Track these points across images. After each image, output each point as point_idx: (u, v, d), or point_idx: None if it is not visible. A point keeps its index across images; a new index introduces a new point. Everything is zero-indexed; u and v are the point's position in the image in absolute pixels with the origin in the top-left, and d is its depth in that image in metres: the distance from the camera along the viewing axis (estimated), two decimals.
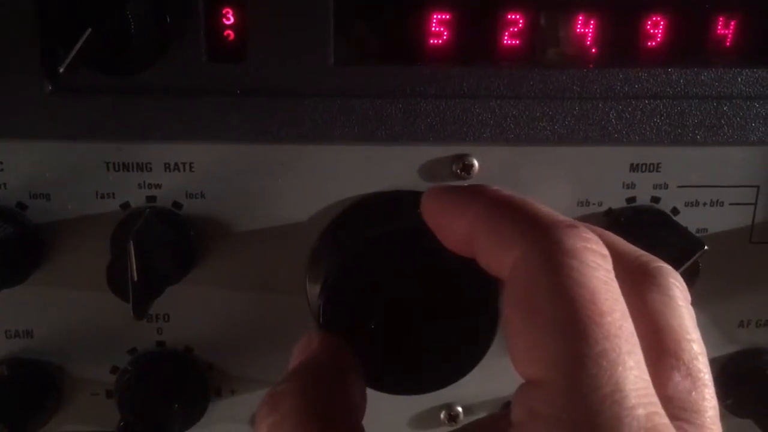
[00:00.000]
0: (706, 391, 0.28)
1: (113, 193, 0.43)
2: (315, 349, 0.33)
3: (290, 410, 0.29)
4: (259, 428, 0.30)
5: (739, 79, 0.43)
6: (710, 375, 0.28)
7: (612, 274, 0.27)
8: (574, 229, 0.27)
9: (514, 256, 0.27)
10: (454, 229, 0.31)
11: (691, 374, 0.28)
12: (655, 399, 0.25)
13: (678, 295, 0.29)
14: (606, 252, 0.27)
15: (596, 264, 0.26)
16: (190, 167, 0.42)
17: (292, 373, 0.32)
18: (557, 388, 0.24)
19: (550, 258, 0.26)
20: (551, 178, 0.44)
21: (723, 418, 0.49)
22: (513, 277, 0.27)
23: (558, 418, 0.24)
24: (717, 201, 0.45)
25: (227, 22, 0.40)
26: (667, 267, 0.30)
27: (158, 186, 0.43)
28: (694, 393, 0.27)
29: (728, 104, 0.43)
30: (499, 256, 0.28)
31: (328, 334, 0.35)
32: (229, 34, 0.41)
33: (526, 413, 0.26)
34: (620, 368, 0.24)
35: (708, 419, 0.27)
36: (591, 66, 0.42)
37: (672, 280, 0.30)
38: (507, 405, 0.49)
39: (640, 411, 0.24)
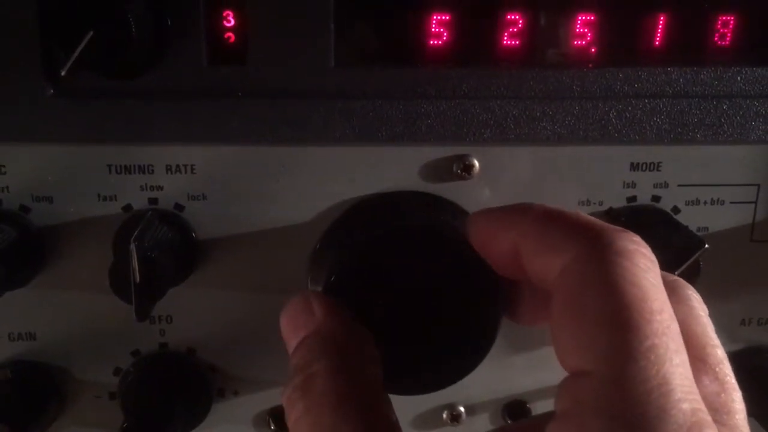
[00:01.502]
0: (735, 394, 0.29)
1: (115, 196, 0.43)
2: (322, 319, 0.33)
3: (324, 392, 0.29)
4: (291, 413, 0.30)
5: (739, 78, 0.43)
6: (735, 380, 0.29)
7: (660, 279, 0.28)
8: (625, 233, 0.28)
9: (567, 258, 0.28)
10: (501, 244, 0.32)
11: (718, 378, 0.29)
12: (699, 396, 0.25)
13: (697, 305, 0.31)
14: (654, 258, 0.28)
15: (647, 266, 0.27)
16: (192, 169, 0.43)
17: (314, 349, 0.31)
18: (606, 378, 0.25)
19: (604, 258, 0.27)
20: (552, 178, 0.44)
21: None
22: (564, 277, 0.28)
23: (605, 408, 0.25)
24: (717, 200, 0.45)
25: (228, 25, 0.40)
26: (683, 281, 0.31)
27: (160, 188, 0.43)
28: (723, 395, 0.28)
29: (728, 103, 0.43)
30: (550, 261, 0.29)
31: (331, 300, 0.34)
32: (229, 37, 0.41)
33: (573, 403, 0.26)
34: (667, 364, 0.25)
35: (739, 420, 0.28)
36: (591, 66, 0.42)
37: (690, 292, 0.31)
38: (509, 405, 0.49)
39: (686, 405, 0.24)
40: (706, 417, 0.25)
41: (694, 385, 0.26)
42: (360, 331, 0.33)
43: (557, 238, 0.29)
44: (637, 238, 0.28)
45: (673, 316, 0.27)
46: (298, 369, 0.31)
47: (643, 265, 0.27)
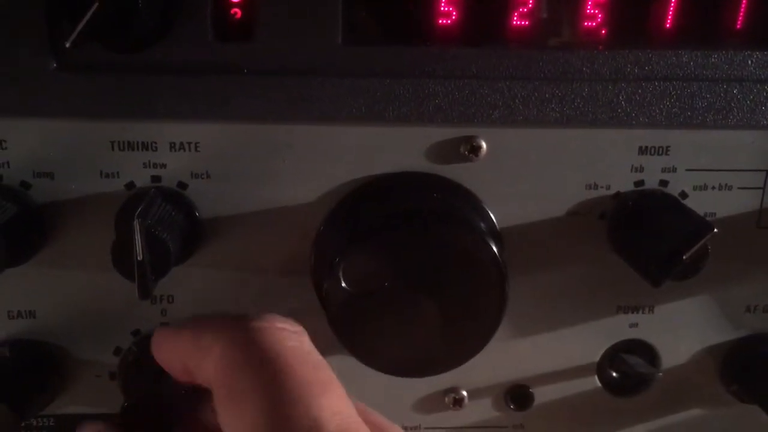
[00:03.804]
0: None
1: (118, 173, 0.42)
2: None
3: None
4: None
5: (750, 62, 0.43)
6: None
7: (307, 341, 0.32)
8: (257, 317, 0.31)
9: (215, 355, 0.30)
10: (173, 361, 0.34)
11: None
12: (362, 426, 0.28)
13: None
14: (298, 327, 0.32)
15: (286, 336, 0.31)
16: (196, 147, 0.42)
17: None
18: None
19: (245, 340, 0.30)
20: (559, 161, 0.44)
21: (729, 404, 0.50)
22: (216, 371, 0.30)
23: None
24: (725, 185, 0.45)
25: (234, 0, 0.40)
26: None
27: (163, 166, 0.42)
28: None
29: (738, 87, 0.42)
30: (204, 364, 0.31)
31: None
32: (236, 12, 0.40)
33: None
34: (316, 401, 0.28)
35: None
36: (601, 47, 0.42)
37: None
38: (512, 389, 0.48)
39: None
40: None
41: (353, 412, 0.29)
42: None
43: (204, 341, 0.31)
44: (270, 316, 0.32)
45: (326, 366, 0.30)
46: None
47: (281, 336, 0.30)
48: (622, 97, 0.42)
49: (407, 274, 0.40)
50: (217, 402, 0.30)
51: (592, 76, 0.42)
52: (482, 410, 0.49)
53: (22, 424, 0.46)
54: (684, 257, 0.40)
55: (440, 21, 0.41)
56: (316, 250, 0.44)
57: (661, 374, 0.49)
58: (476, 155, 0.43)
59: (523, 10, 0.41)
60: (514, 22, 0.42)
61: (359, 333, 0.40)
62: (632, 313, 0.47)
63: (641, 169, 0.44)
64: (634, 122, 0.43)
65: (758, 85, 0.42)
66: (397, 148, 0.43)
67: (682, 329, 0.48)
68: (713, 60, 0.42)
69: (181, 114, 0.41)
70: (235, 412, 0.29)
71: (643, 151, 0.44)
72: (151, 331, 0.45)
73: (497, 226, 0.44)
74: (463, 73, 0.41)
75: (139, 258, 0.38)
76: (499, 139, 0.43)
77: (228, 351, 0.30)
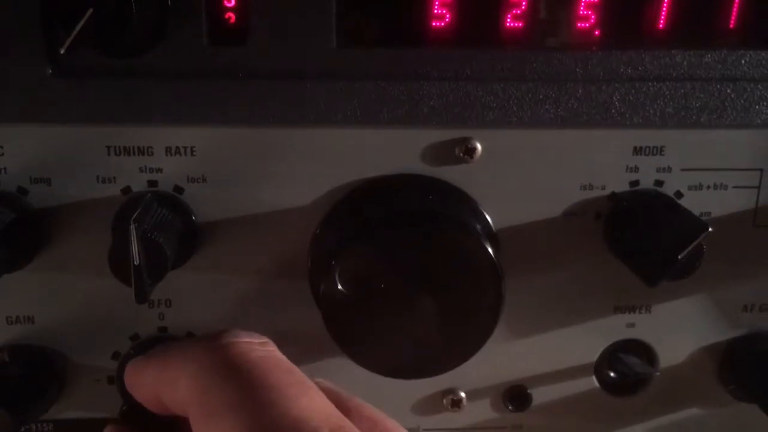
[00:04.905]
0: (388, 422, 0.33)
1: (114, 178, 0.42)
2: None
3: None
4: None
5: (743, 62, 0.43)
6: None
7: (274, 349, 0.32)
8: (220, 333, 0.32)
9: (185, 378, 0.30)
10: (145, 391, 0.34)
11: (364, 417, 0.33)
12: (345, 421, 0.29)
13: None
14: (264, 339, 0.32)
15: (250, 347, 0.31)
16: (192, 151, 0.42)
17: None
18: None
19: (211, 360, 0.30)
20: (554, 162, 0.44)
21: (727, 403, 0.50)
22: (188, 393, 0.30)
23: None
24: (721, 184, 0.45)
25: (228, 4, 0.40)
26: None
27: (159, 170, 0.42)
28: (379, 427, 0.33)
29: (732, 87, 0.43)
30: (176, 390, 0.31)
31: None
32: (230, 17, 0.40)
33: None
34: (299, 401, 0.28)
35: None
36: (594, 48, 0.42)
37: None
38: (510, 390, 0.49)
39: (326, 430, 0.27)
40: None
41: (333, 410, 0.29)
42: None
43: (171, 369, 0.31)
44: (234, 331, 0.32)
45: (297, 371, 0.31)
46: None
47: (248, 348, 0.31)
48: (616, 97, 0.42)
49: (403, 275, 0.40)
50: (194, 425, 0.30)
51: (585, 77, 0.42)
52: (480, 411, 0.49)
53: (21, 430, 0.46)
54: (679, 257, 0.40)
55: (434, 23, 0.42)
56: (313, 253, 0.44)
57: (658, 374, 0.49)
58: (471, 157, 0.43)
59: (516, 11, 0.42)
60: (508, 24, 0.42)
61: (356, 335, 0.40)
62: (629, 312, 0.47)
63: (636, 170, 0.44)
64: (628, 122, 0.43)
65: (752, 85, 0.43)
66: (392, 150, 0.43)
67: (680, 329, 0.48)
68: (707, 60, 0.43)
69: (177, 118, 0.41)
70: (214, 430, 0.28)
71: (637, 151, 0.44)
72: (149, 335, 0.46)
73: (493, 228, 0.45)
74: (457, 75, 0.42)
75: (136, 262, 0.38)
76: (493, 140, 0.43)
77: (198, 372, 0.30)
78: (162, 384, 0.32)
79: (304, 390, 0.29)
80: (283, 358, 0.31)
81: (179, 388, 0.30)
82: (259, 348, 0.31)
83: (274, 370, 0.29)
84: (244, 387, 0.28)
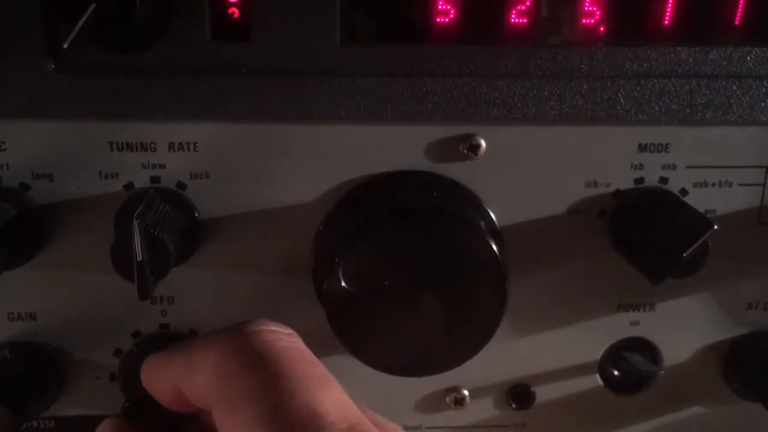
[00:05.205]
0: None
1: (117, 174, 0.42)
2: None
3: None
4: None
5: (749, 58, 0.42)
6: None
7: (299, 342, 0.31)
8: (244, 323, 0.31)
9: (209, 367, 0.30)
10: (164, 385, 0.33)
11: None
12: (362, 418, 0.28)
13: None
14: (290, 330, 0.32)
15: (278, 337, 0.30)
16: (195, 147, 0.42)
17: None
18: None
19: (236, 348, 0.30)
20: (559, 159, 0.44)
21: (731, 402, 0.49)
22: (213, 382, 0.30)
23: None
24: (726, 182, 0.45)
25: (232, 0, 0.40)
26: None
27: (162, 166, 0.42)
28: None
29: (738, 83, 0.42)
30: (199, 378, 0.30)
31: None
32: (233, 12, 0.40)
33: None
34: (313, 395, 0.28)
35: None
36: (599, 45, 0.42)
37: None
38: (513, 388, 0.48)
39: (343, 425, 0.27)
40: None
41: (352, 404, 0.29)
42: None
43: (197, 358, 0.31)
44: (261, 320, 0.32)
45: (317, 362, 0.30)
46: None
47: (273, 337, 0.30)
48: (621, 94, 0.42)
49: (407, 273, 0.40)
50: (215, 413, 0.29)
51: (590, 74, 0.42)
52: (484, 409, 0.49)
53: (23, 426, 0.46)
54: (684, 255, 0.40)
55: (438, 19, 0.41)
56: (316, 250, 0.44)
57: (662, 372, 0.49)
58: (475, 154, 0.43)
59: (521, 7, 0.41)
60: (513, 20, 0.42)
61: (359, 332, 0.40)
62: (633, 310, 0.47)
63: (641, 167, 0.44)
64: (633, 119, 0.42)
65: (757, 81, 0.42)
66: (396, 147, 0.43)
67: (684, 327, 0.48)
68: (712, 56, 0.42)
69: (180, 114, 0.41)
70: (234, 418, 0.28)
71: (642, 148, 0.44)
72: (151, 332, 0.45)
73: (497, 225, 0.44)
74: (461, 72, 0.41)
75: (139, 259, 0.38)
76: (498, 137, 0.43)
77: (222, 360, 0.30)
78: (186, 374, 0.32)
79: (325, 384, 0.29)
80: (307, 350, 0.31)
81: (202, 377, 0.30)
82: (285, 338, 0.31)
83: (297, 362, 0.29)
84: (267, 375, 0.28)
